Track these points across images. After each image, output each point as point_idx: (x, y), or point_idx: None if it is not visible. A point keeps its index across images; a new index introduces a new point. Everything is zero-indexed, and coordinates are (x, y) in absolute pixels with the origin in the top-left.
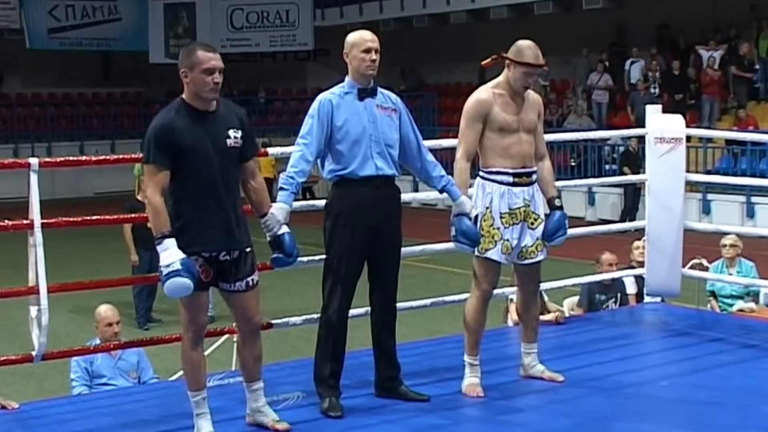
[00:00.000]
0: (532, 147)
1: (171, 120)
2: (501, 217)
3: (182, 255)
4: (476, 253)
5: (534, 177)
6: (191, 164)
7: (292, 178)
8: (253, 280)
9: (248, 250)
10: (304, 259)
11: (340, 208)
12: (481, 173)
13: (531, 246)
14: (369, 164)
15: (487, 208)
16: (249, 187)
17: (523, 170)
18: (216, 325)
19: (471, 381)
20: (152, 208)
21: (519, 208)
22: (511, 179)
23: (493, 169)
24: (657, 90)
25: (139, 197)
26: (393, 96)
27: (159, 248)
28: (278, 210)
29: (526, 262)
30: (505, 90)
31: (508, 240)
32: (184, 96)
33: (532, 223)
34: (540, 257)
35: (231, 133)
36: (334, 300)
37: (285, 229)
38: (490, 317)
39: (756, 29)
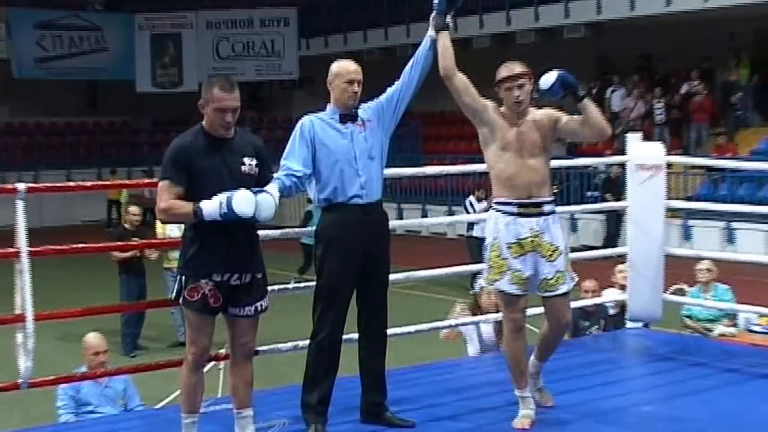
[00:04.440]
0: (540, 174)
1: (189, 143)
2: (509, 248)
3: (218, 197)
4: (485, 284)
5: (546, 207)
6: (205, 187)
7: (279, 178)
8: (261, 305)
9: (260, 275)
10: (290, 286)
11: (330, 235)
12: (492, 204)
13: (551, 278)
14: (354, 187)
15: (495, 238)
16: None
17: (528, 200)
18: None
19: (523, 413)
20: (168, 210)
21: (526, 238)
22: (516, 209)
23: (500, 200)
24: (639, 119)
25: (126, 225)
26: (366, 107)
27: (205, 212)
28: (268, 186)
29: (548, 294)
30: (506, 113)
31: (519, 270)
32: (203, 123)
33: (550, 255)
34: (561, 290)
35: (246, 160)
36: (325, 325)
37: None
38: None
39: (734, 57)
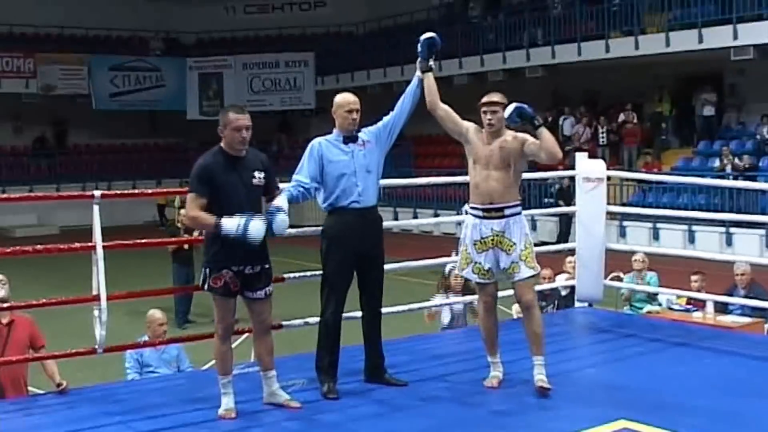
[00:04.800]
0: (502, 185)
1: (210, 162)
2: (474, 245)
3: (238, 217)
4: (457, 271)
5: (508, 211)
6: (224, 197)
7: (288, 190)
8: (269, 290)
9: (267, 266)
10: (308, 273)
11: (332, 233)
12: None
13: (508, 268)
14: (353, 195)
15: (465, 236)
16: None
17: (491, 206)
18: (239, 326)
19: (492, 375)
20: (195, 218)
21: (488, 237)
22: (480, 213)
23: (471, 205)
24: (587, 140)
25: (178, 224)
26: (366, 131)
27: (224, 228)
28: (279, 199)
29: (510, 280)
30: (483, 133)
31: (479, 263)
32: (222, 144)
33: (508, 250)
34: (516, 277)
35: (256, 174)
36: (330, 306)
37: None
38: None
39: (658, 93)
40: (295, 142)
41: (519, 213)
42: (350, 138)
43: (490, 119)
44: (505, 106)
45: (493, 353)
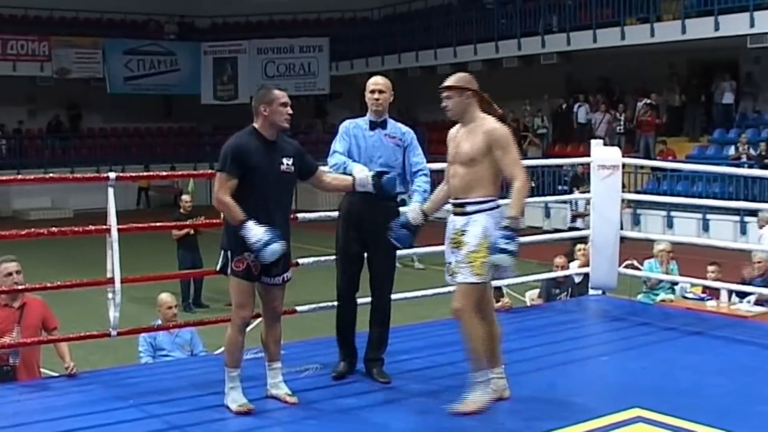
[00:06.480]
0: (465, 179)
1: (245, 142)
2: (448, 244)
3: (264, 229)
4: None
5: (469, 207)
6: (252, 179)
7: (340, 160)
8: (286, 276)
9: (287, 253)
10: (322, 258)
11: (342, 214)
12: None
13: (453, 266)
14: None
15: None
16: (328, 181)
17: (456, 201)
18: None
19: (475, 397)
20: (225, 205)
21: (451, 234)
22: (452, 208)
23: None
24: (602, 127)
25: (181, 210)
26: (402, 128)
27: (244, 232)
28: (359, 171)
29: (453, 281)
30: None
31: (450, 263)
32: (256, 125)
33: (458, 246)
34: (457, 279)
35: (284, 160)
36: (341, 287)
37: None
38: None
39: (675, 82)
40: (309, 127)
41: (485, 210)
42: (377, 123)
43: (444, 105)
44: (462, 91)
45: (490, 364)
